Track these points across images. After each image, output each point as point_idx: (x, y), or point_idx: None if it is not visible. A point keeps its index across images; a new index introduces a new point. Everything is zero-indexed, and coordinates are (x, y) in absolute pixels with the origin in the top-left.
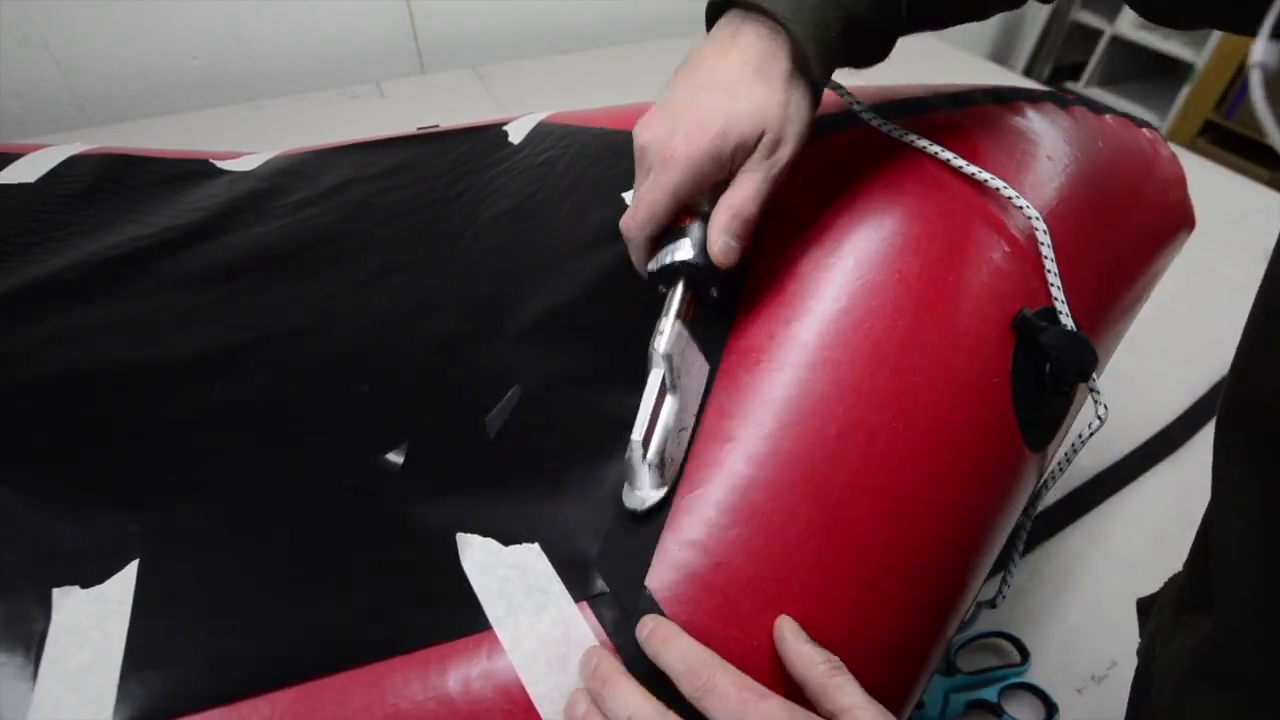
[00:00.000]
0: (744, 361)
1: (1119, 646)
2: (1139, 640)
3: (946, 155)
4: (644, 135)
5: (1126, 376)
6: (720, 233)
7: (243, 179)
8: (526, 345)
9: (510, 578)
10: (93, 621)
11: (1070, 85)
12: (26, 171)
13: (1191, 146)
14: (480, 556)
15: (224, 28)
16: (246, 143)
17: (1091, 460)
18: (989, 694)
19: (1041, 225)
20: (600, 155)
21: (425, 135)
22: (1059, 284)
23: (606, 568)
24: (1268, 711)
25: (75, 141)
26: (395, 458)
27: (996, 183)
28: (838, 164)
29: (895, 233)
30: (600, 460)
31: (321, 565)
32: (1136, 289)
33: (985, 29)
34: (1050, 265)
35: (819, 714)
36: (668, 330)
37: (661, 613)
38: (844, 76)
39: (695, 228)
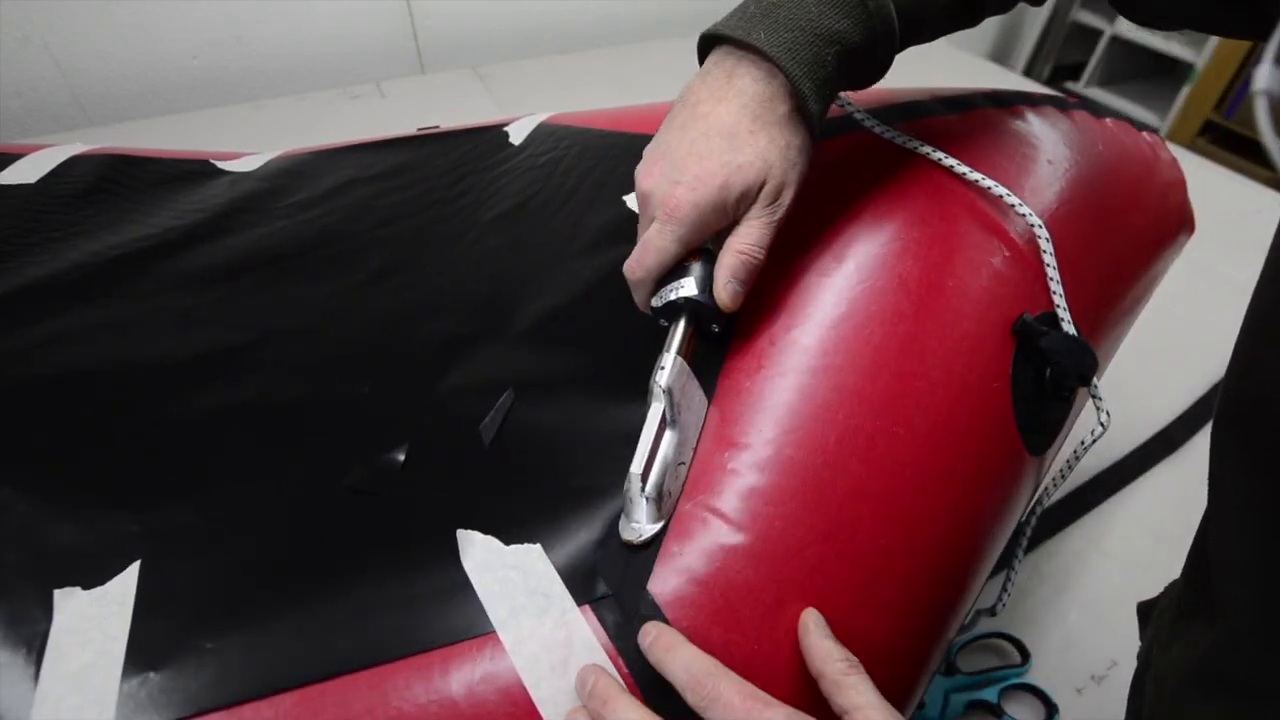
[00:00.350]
0: (745, 367)
1: (1119, 646)
2: (1139, 644)
3: (950, 162)
4: (645, 182)
5: (1127, 377)
6: (728, 278)
7: (243, 179)
8: (527, 346)
9: (512, 579)
10: (94, 622)
11: (1070, 85)
12: (27, 172)
13: (1191, 146)
14: (481, 556)
15: (224, 28)
16: (246, 143)
17: (1091, 460)
18: (989, 694)
19: (1044, 233)
20: (602, 157)
21: (426, 136)
22: (1061, 290)
23: (609, 571)
24: (1268, 715)
25: (75, 141)
26: (396, 458)
27: (999, 190)
28: (837, 169)
29: (895, 238)
30: (601, 463)
31: (323, 567)
32: (1136, 292)
33: (985, 29)
34: (1053, 273)
35: (832, 710)
36: (669, 365)
37: (663, 617)
38: None
39: (698, 265)
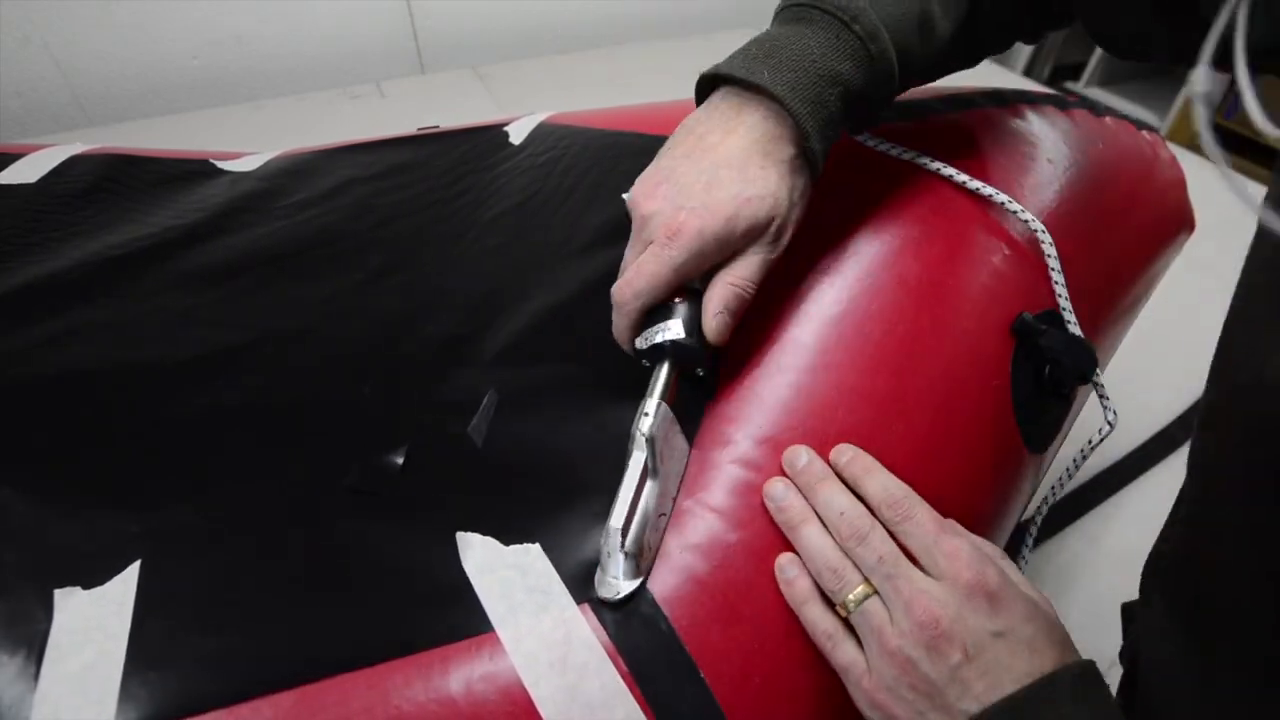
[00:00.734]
0: (744, 364)
1: (1119, 646)
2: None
3: (949, 172)
4: (646, 206)
5: (1127, 377)
6: (720, 308)
7: (243, 179)
8: (526, 345)
9: (511, 578)
10: (94, 622)
11: (1070, 85)
12: (27, 172)
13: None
14: (481, 556)
15: (224, 28)
16: (246, 143)
17: (1092, 460)
18: None
19: (1046, 235)
20: (601, 156)
21: (426, 136)
22: (1064, 290)
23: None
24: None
25: (75, 141)
26: (395, 458)
27: (1001, 197)
28: (837, 167)
29: (895, 236)
30: (600, 461)
31: (322, 566)
32: (1136, 291)
33: None
34: (1056, 274)
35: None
36: (653, 412)
37: (663, 615)
38: None
39: (684, 307)
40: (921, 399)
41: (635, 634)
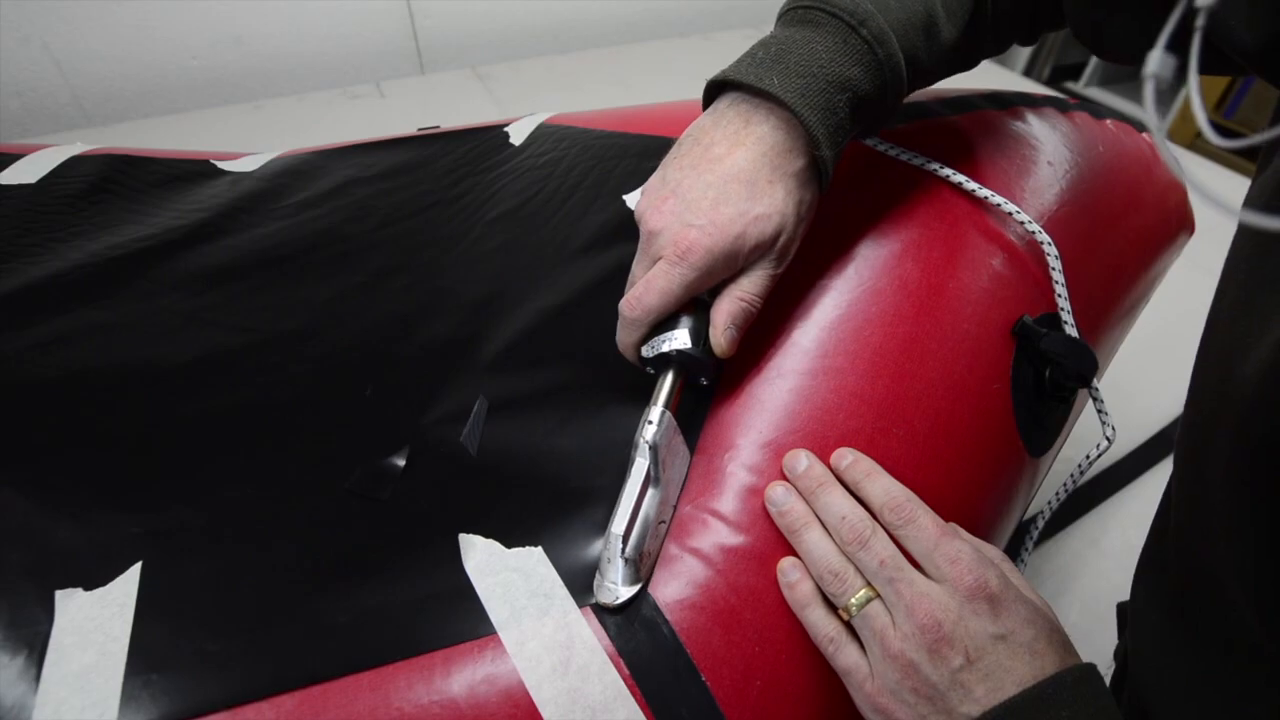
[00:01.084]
0: (745, 369)
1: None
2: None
3: (946, 172)
4: (655, 220)
5: (1127, 377)
6: (728, 323)
7: (244, 180)
8: (527, 347)
9: (513, 581)
10: (96, 624)
11: (1070, 85)
12: (27, 172)
13: (1191, 147)
14: (483, 559)
15: (224, 28)
16: (247, 143)
17: None
18: None
19: (1048, 239)
20: (602, 157)
21: (426, 136)
22: (1065, 293)
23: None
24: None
25: (75, 141)
26: (397, 461)
27: (999, 200)
28: (838, 175)
29: (895, 239)
30: (602, 465)
31: (324, 569)
32: (1136, 293)
33: None
34: (1058, 275)
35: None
36: (657, 419)
37: (665, 619)
38: None
39: (690, 317)
40: (922, 402)
41: (637, 637)
